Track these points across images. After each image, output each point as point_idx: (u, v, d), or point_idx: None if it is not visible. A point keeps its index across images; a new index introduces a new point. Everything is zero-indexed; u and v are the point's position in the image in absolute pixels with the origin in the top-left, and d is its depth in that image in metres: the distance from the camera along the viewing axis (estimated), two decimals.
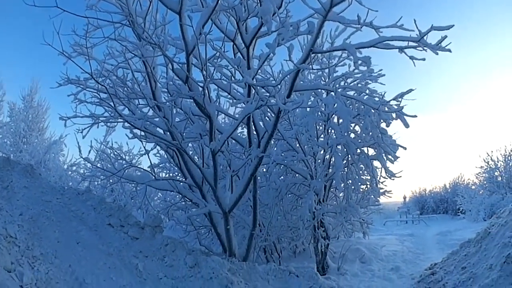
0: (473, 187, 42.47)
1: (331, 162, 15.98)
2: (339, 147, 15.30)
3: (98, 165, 17.57)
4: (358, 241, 21.06)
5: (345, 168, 15.28)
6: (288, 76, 10.99)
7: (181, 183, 13.41)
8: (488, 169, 38.16)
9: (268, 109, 13.53)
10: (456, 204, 41.84)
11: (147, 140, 12.40)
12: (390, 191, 17.79)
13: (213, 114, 11.22)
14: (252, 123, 12.24)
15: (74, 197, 12.98)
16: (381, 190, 17.33)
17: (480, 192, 37.96)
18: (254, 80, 10.55)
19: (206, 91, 10.94)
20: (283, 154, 15.64)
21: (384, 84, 16.02)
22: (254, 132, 12.37)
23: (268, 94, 10.77)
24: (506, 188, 35.90)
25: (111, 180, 15.13)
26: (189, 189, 13.42)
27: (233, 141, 14.29)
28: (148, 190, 16.70)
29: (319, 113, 15.82)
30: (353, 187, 15.79)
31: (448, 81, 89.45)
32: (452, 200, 46.66)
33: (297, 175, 16.33)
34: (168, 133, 12.10)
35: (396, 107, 13.70)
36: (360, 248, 19.15)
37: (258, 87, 10.69)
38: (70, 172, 27.95)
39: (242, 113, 10.93)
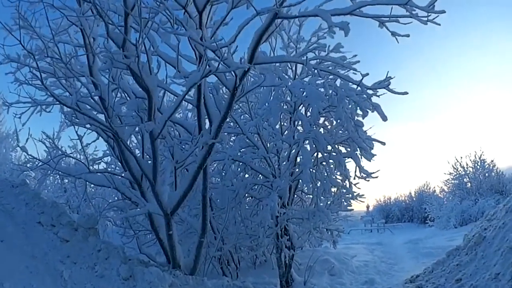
0: (440, 194, 41.96)
1: (298, 160, 13.59)
2: (307, 143, 12.93)
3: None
4: (326, 251, 18.61)
5: (314, 167, 12.86)
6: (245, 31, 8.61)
7: (120, 178, 11.25)
8: (458, 175, 37.42)
9: (223, 88, 10.96)
10: (424, 212, 40.93)
11: (78, 123, 10.20)
12: (363, 195, 15.11)
13: (152, 88, 8.81)
14: (204, 106, 9.86)
15: (7, 190, 11.34)
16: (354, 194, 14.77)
17: (450, 199, 36.35)
18: (203, 39, 8.20)
19: (147, 62, 8.65)
20: (242, 151, 13.41)
21: (358, 71, 13.54)
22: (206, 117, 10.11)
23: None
24: (476, 194, 35.12)
25: (49, 173, 12.75)
26: (130, 185, 11.26)
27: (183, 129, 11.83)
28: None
29: (285, 104, 13.43)
30: (323, 189, 13.32)
31: (411, 90, 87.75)
32: (417, 208, 46.16)
33: (258, 175, 14.01)
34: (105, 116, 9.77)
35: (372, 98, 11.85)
36: (328, 259, 16.87)
37: (209, 51, 8.37)
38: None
39: (187, 84, 8.51)
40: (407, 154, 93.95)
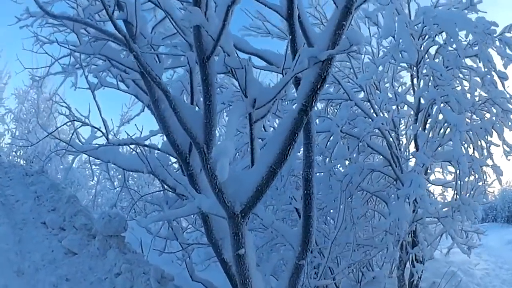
0: None
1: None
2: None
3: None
4: (447, 260, 12.80)
5: None
6: None
7: (157, 154, 6.42)
8: None
9: None
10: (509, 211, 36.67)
11: (78, 50, 5.61)
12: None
13: None
14: (298, 20, 4.52)
15: (18, 179, 8.95)
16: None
17: None
18: None
19: None
20: (351, 123, 8.07)
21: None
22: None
23: None
24: None
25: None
26: (180, 167, 6.34)
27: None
28: None
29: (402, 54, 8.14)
30: (472, 169, 7.96)
31: None
32: (501, 207, 39.69)
33: (375, 157, 9.16)
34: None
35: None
36: (454, 271, 11.33)
37: None
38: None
39: None
40: None
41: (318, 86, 3.70)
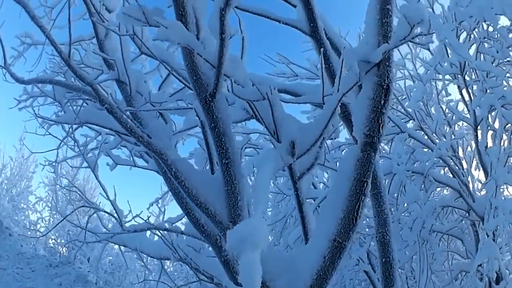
0: None
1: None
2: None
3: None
4: None
5: None
6: None
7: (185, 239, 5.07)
8: None
9: None
10: None
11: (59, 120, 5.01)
12: None
13: None
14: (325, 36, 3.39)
15: (41, 270, 8.43)
16: None
17: None
18: None
19: None
20: (412, 158, 6.80)
21: None
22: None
23: None
24: None
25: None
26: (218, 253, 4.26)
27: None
28: None
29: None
30: None
31: None
32: None
33: (444, 190, 7.89)
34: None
35: None
36: None
37: None
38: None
39: None
40: None
41: (383, 103, 2.26)
